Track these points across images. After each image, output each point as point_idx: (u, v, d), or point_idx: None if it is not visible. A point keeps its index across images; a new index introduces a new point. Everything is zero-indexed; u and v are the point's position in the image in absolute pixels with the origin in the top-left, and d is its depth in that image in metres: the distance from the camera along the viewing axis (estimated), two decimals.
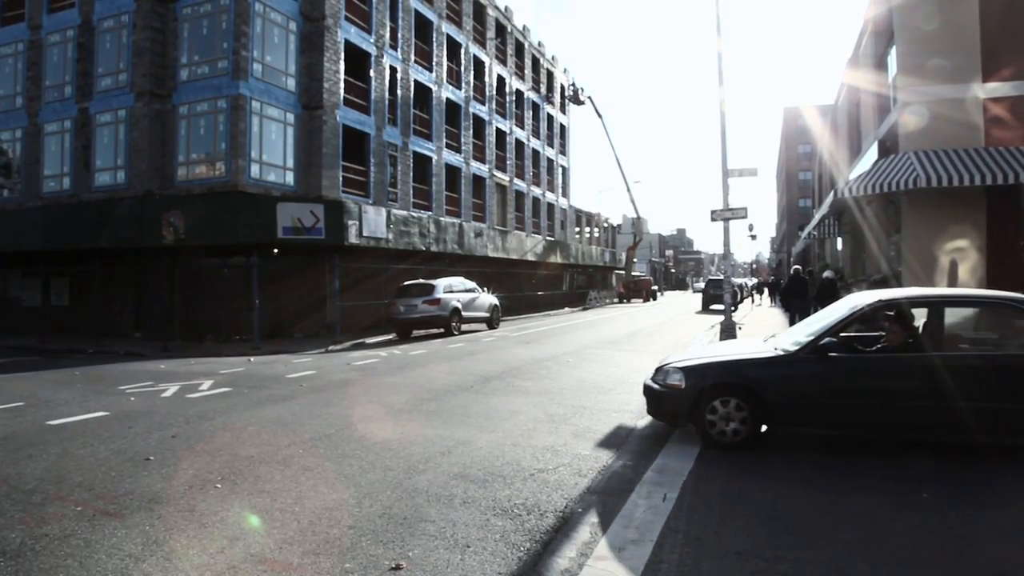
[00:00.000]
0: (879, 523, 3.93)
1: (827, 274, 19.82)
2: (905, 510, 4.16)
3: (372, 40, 24.24)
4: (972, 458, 5.31)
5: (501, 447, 5.90)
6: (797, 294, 17.87)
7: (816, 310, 18.28)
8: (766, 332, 18.15)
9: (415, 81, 27.39)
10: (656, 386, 6.22)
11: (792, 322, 18.17)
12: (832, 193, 17.80)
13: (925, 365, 5.42)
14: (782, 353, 5.89)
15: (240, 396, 8.96)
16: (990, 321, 6.10)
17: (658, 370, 6.41)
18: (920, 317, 5.94)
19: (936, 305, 5.79)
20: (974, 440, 5.42)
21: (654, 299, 52.34)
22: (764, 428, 5.83)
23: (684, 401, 5.95)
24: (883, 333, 6.08)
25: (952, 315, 6.14)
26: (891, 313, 5.90)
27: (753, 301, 40.14)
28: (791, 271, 20.62)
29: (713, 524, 3.95)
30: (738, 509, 4.21)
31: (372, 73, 24.23)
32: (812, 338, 5.78)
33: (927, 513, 4.10)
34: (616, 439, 6.22)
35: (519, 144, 38.85)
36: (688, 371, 6.06)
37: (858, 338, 6.18)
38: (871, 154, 16.93)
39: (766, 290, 46.68)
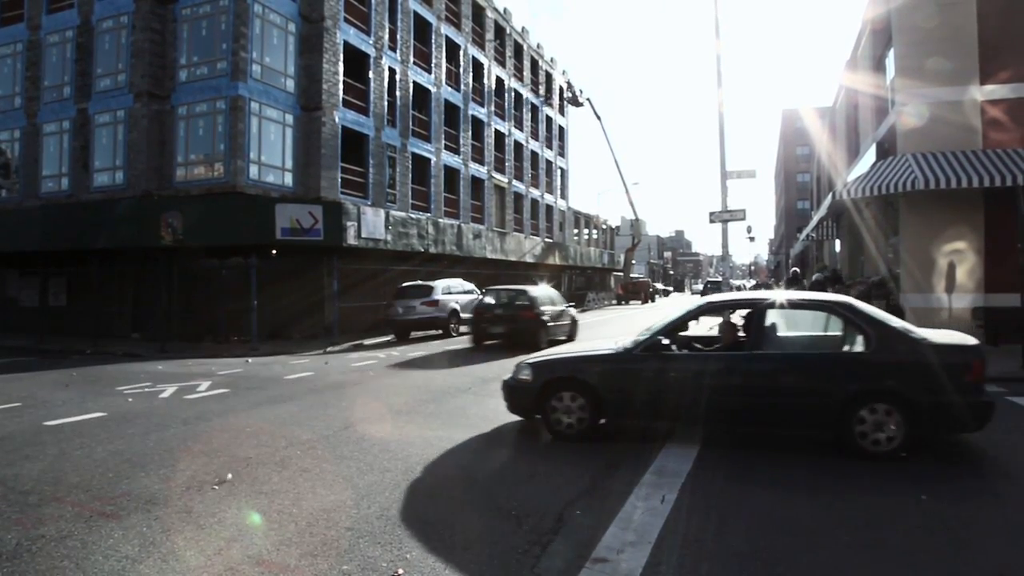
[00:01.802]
0: (878, 526, 3.93)
1: (816, 275, 20.84)
2: (903, 511, 4.16)
3: (371, 41, 24.25)
4: (968, 456, 5.32)
5: (500, 449, 5.89)
6: None
7: None
8: None
9: (414, 83, 27.40)
10: (511, 382, 6.68)
11: None
12: (830, 195, 17.83)
13: (739, 363, 5.88)
14: (619, 350, 6.34)
15: (238, 397, 8.94)
16: (817, 322, 6.37)
17: (516, 367, 6.77)
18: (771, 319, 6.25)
19: (758, 308, 6.12)
20: (780, 432, 5.95)
21: (652, 301, 52.37)
22: (603, 421, 6.24)
23: (531, 394, 6.44)
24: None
25: (792, 316, 6.52)
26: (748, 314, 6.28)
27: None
28: (790, 273, 20.82)
29: (712, 526, 3.95)
30: (737, 511, 4.21)
31: (371, 74, 24.23)
32: (645, 337, 6.29)
33: (925, 514, 4.10)
34: (615, 440, 6.21)
35: (518, 146, 38.87)
36: (535, 367, 6.57)
37: (699, 338, 6.61)
38: (869, 156, 16.96)
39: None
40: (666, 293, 72.10)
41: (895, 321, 5.89)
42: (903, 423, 5.36)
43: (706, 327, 6.68)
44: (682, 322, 6.37)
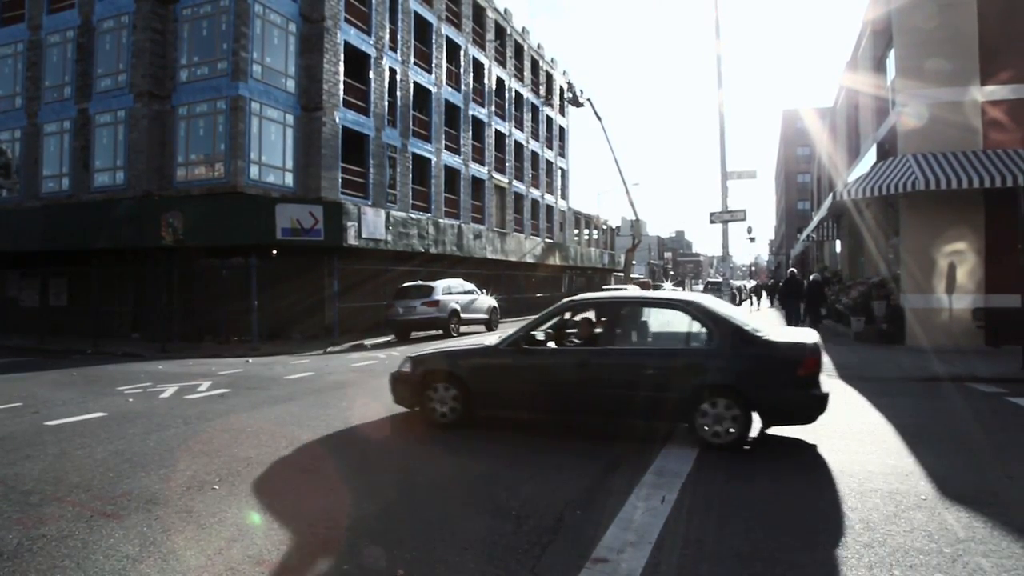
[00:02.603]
0: (877, 526, 3.93)
1: (814, 276, 21.12)
2: (903, 510, 4.16)
3: (372, 42, 24.26)
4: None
5: (500, 448, 5.89)
6: (792, 294, 18.66)
7: (806, 308, 19.11)
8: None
9: (414, 83, 27.41)
10: (395, 374, 7.10)
11: (788, 320, 18.54)
12: (831, 195, 17.83)
13: (590, 357, 6.29)
14: (489, 345, 6.81)
15: (238, 397, 8.95)
16: (681, 321, 6.61)
17: (401, 361, 7.18)
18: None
19: (612, 306, 6.64)
20: (628, 423, 6.29)
21: None
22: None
23: (410, 386, 6.90)
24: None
25: (660, 315, 6.87)
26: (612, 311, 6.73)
27: (752, 304, 40.06)
28: (788, 273, 20.87)
29: (712, 526, 3.95)
30: (737, 511, 4.21)
31: (371, 75, 24.24)
32: (512, 333, 6.71)
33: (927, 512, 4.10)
34: (615, 440, 6.21)
35: (518, 146, 38.87)
36: (415, 360, 7.01)
37: (570, 335, 6.99)
38: (870, 157, 16.96)
39: (764, 292, 46.67)
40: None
41: (739, 319, 6.16)
42: (741, 416, 5.66)
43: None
44: (544, 320, 6.84)
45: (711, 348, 5.96)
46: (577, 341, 6.87)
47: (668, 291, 8.07)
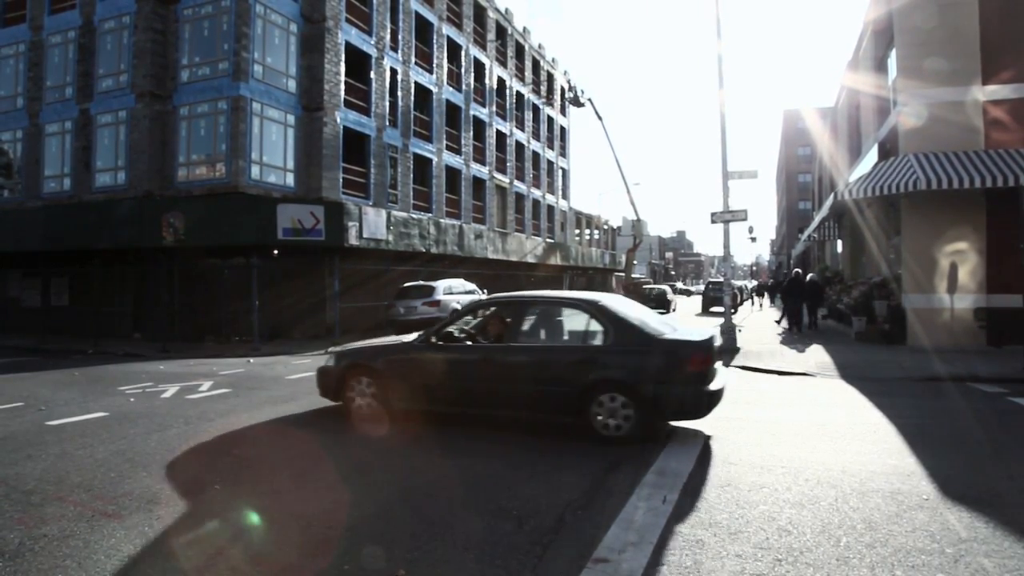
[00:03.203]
0: (879, 526, 3.92)
1: (811, 276, 21.64)
2: (905, 510, 4.16)
3: (372, 42, 24.26)
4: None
5: (501, 448, 5.89)
6: (792, 294, 19.11)
7: (805, 308, 19.46)
8: (764, 334, 18.22)
9: (415, 83, 27.41)
10: (321, 367, 7.49)
11: (790, 320, 18.79)
12: (832, 195, 17.81)
13: (494, 354, 6.60)
14: (405, 342, 7.19)
15: (240, 397, 8.95)
16: (570, 319, 6.90)
17: (327, 355, 7.58)
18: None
19: (518, 305, 6.95)
20: (522, 417, 6.49)
21: None
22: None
23: (333, 379, 7.31)
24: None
25: (553, 314, 7.12)
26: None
27: (753, 303, 40.02)
28: (792, 273, 21.03)
29: (713, 526, 3.95)
30: (739, 511, 4.20)
31: (372, 75, 24.25)
32: (428, 330, 7.13)
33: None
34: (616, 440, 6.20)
35: (519, 146, 38.87)
36: (338, 354, 7.44)
37: (482, 332, 7.23)
38: (871, 156, 16.95)
39: (766, 293, 46.62)
40: (686, 294, 68.33)
41: (636, 318, 6.43)
42: (633, 410, 5.93)
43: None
44: (454, 319, 7.25)
45: (606, 346, 6.21)
46: (485, 338, 7.10)
47: (575, 292, 8.56)
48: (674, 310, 35.25)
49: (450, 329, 7.08)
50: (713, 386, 6.06)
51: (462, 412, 6.81)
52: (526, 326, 6.87)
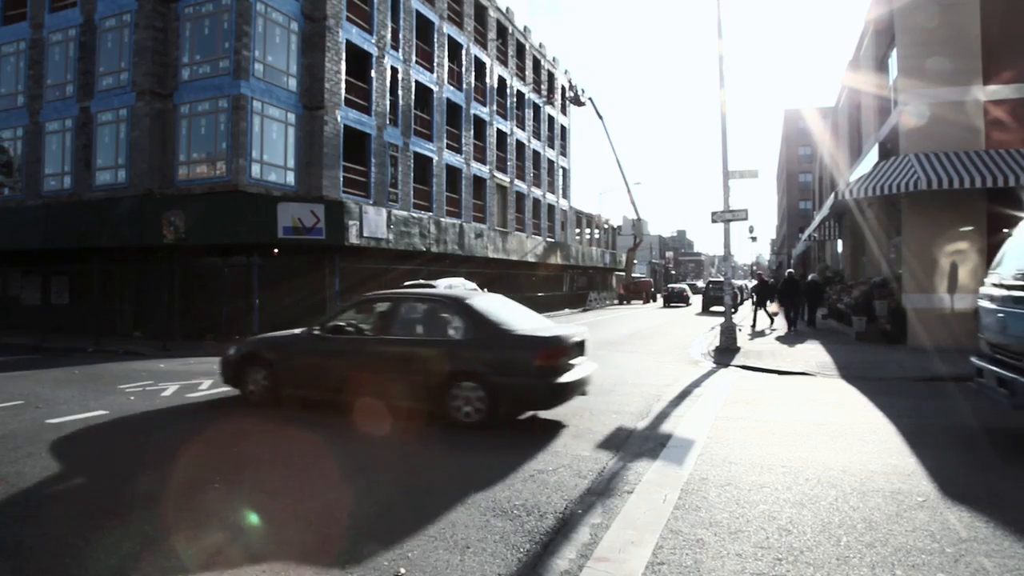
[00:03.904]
0: (880, 526, 3.92)
1: (811, 276, 21.97)
2: (905, 510, 4.15)
3: (373, 41, 24.25)
4: None
5: (500, 448, 5.89)
6: (790, 293, 19.34)
7: (804, 307, 19.86)
8: (764, 333, 18.24)
9: (416, 82, 27.40)
10: (223, 357, 8.19)
11: (788, 319, 18.93)
12: (833, 195, 17.81)
13: (366, 346, 7.25)
14: (294, 333, 7.88)
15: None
16: (437, 314, 7.37)
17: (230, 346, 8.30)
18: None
19: (393, 300, 7.72)
20: (392, 404, 6.89)
21: (654, 300, 52.31)
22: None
23: (231, 367, 8.04)
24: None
25: (424, 309, 7.56)
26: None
27: (753, 302, 39.97)
28: (786, 274, 21.40)
29: (713, 525, 3.95)
30: (739, 510, 4.20)
31: (373, 73, 24.23)
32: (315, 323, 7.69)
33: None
34: (616, 440, 6.21)
35: (520, 145, 38.85)
36: (238, 344, 8.22)
37: (364, 325, 7.71)
38: (872, 156, 16.94)
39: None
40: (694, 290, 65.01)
41: (495, 315, 6.95)
42: (486, 400, 6.44)
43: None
44: (342, 312, 7.92)
45: (464, 340, 6.79)
46: (365, 332, 7.59)
47: (445, 290, 9.40)
48: (690, 304, 41.51)
49: (335, 322, 7.67)
50: (564, 379, 6.51)
51: (342, 399, 7.27)
52: (399, 321, 7.45)
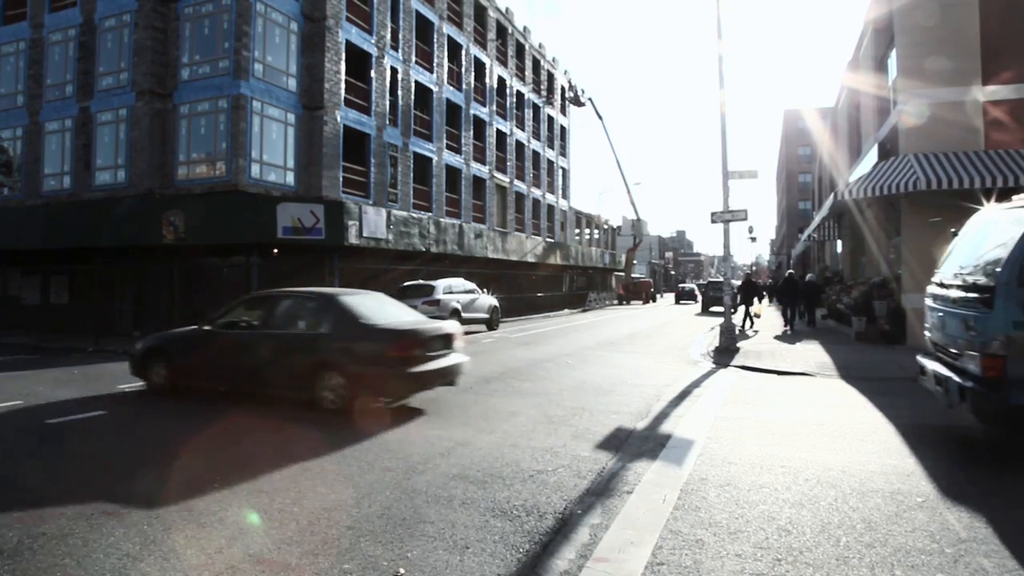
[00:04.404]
0: (879, 526, 3.92)
1: (809, 277, 22.29)
2: (904, 510, 4.16)
3: (373, 41, 24.26)
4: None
5: (500, 448, 5.89)
6: (788, 293, 19.63)
7: (802, 307, 20.04)
8: (764, 334, 18.24)
9: (416, 82, 27.40)
10: (130, 351, 8.97)
11: (786, 319, 19.05)
12: (832, 195, 17.81)
13: (246, 339, 8.01)
14: (191, 328, 8.66)
15: (239, 396, 8.93)
16: (310, 310, 8.10)
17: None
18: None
19: (274, 298, 8.43)
20: (272, 393, 7.73)
21: (653, 301, 52.31)
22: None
23: (137, 360, 8.85)
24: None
25: (299, 306, 8.30)
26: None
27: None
28: (785, 274, 21.57)
29: (713, 526, 3.95)
30: (738, 510, 4.20)
31: (373, 74, 24.24)
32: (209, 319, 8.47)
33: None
34: (616, 441, 6.21)
35: (519, 145, 38.86)
36: (144, 340, 9.08)
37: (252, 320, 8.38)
38: (871, 156, 16.95)
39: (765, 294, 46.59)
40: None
41: (359, 311, 7.57)
42: (347, 387, 7.09)
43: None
44: (231, 309, 8.58)
45: (330, 333, 7.48)
46: (251, 327, 8.26)
47: (322, 288, 9.98)
48: (698, 301, 43.94)
49: (226, 319, 8.37)
50: (418, 369, 7.14)
51: (231, 388, 8.04)
52: (279, 317, 8.12)
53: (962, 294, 5.45)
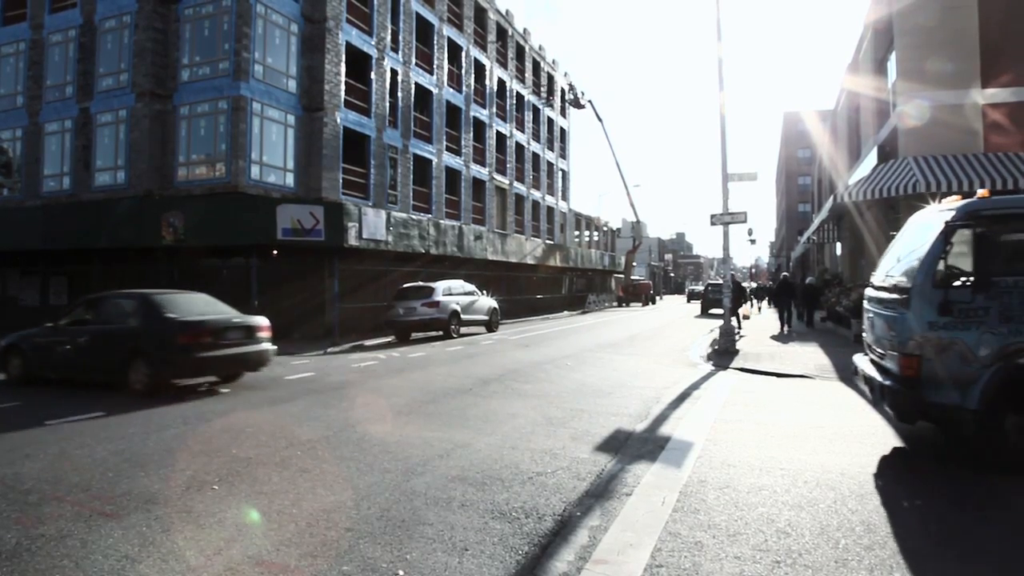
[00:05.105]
0: (878, 528, 3.92)
1: (808, 279, 22.45)
2: (904, 511, 4.15)
3: (373, 42, 24.28)
4: None
5: (499, 450, 5.89)
6: (784, 295, 20.05)
7: (801, 309, 20.23)
8: (762, 334, 18.24)
9: (416, 84, 27.43)
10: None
11: (782, 320, 19.18)
12: (832, 198, 17.84)
13: (76, 333, 9.58)
14: (42, 326, 10.23)
15: (238, 397, 8.94)
16: (128, 306, 9.62)
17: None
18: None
19: (101, 297, 10.11)
20: (97, 378, 9.34)
21: (653, 303, 52.34)
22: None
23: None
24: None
25: (119, 302, 9.88)
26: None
27: (752, 305, 40.05)
28: (780, 277, 21.82)
29: (712, 528, 3.94)
30: (737, 513, 4.20)
31: (373, 75, 24.26)
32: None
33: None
34: (615, 442, 6.20)
35: (519, 147, 38.89)
36: (8, 337, 10.44)
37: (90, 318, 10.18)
38: (871, 159, 16.97)
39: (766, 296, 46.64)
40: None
41: (168, 306, 9.19)
42: (151, 372, 8.76)
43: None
44: (72, 310, 10.31)
45: (140, 326, 9.06)
46: (88, 322, 9.74)
47: (146, 290, 10.68)
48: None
49: (70, 317, 9.95)
50: (207, 355, 8.81)
51: (67, 376, 9.62)
52: (108, 314, 9.61)
53: (888, 295, 5.55)
